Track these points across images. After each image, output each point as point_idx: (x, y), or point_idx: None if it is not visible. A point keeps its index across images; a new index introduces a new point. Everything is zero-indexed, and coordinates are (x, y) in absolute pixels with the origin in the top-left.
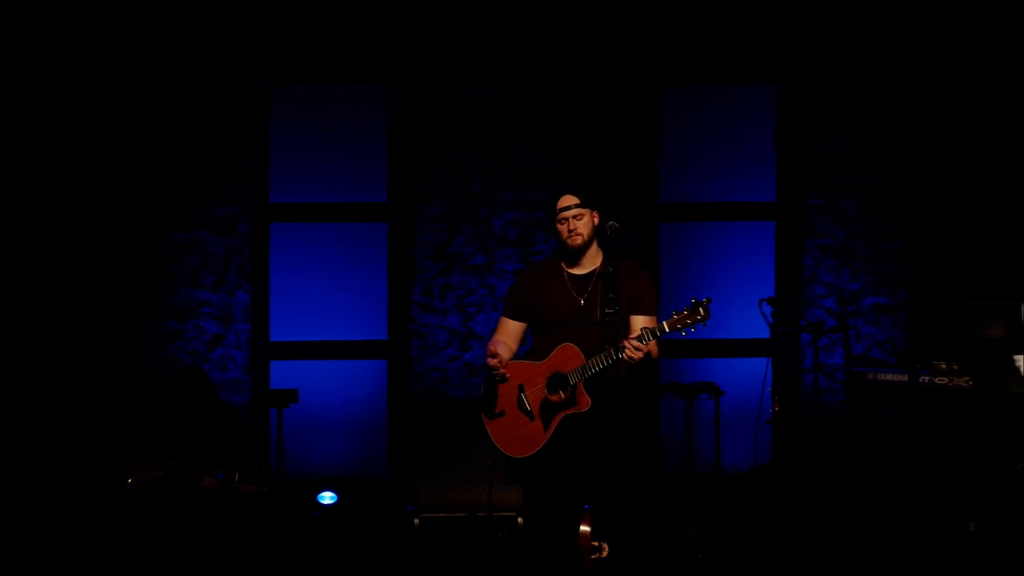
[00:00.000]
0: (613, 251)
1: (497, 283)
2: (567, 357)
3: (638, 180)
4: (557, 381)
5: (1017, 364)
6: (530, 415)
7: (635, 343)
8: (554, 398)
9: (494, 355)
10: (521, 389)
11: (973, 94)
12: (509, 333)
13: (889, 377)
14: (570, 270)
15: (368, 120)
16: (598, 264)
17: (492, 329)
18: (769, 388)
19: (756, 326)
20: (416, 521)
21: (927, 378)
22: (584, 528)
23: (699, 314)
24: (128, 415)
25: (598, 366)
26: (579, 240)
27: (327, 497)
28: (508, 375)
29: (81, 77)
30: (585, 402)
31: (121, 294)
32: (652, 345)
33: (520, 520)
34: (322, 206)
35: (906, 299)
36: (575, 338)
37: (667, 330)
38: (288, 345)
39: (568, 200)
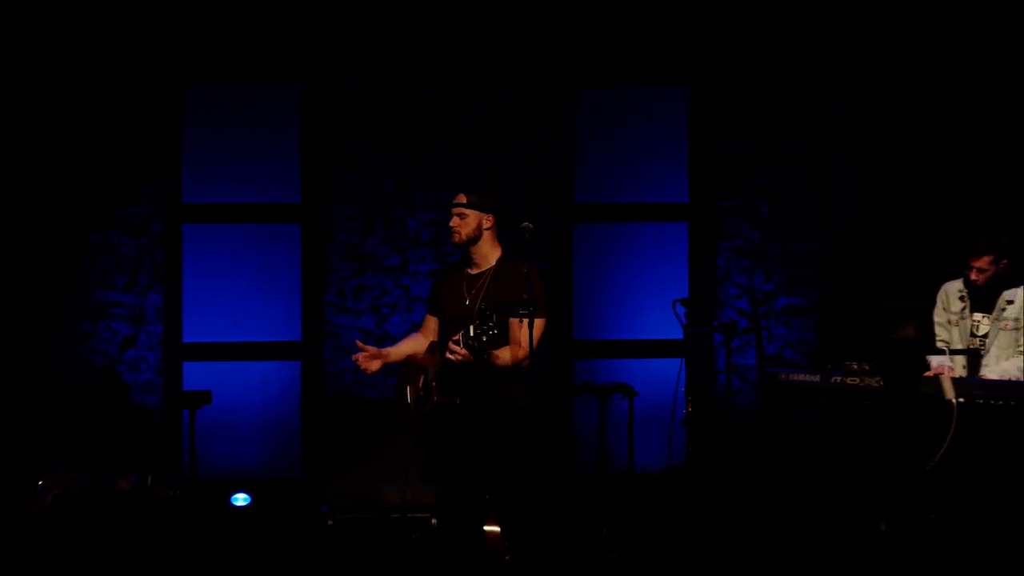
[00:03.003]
0: (526, 252)
1: (411, 284)
2: (431, 355)
3: (553, 181)
4: (425, 378)
5: (930, 364)
6: (409, 408)
7: (451, 345)
8: (422, 394)
9: (362, 348)
10: (409, 382)
11: (886, 101)
12: (427, 327)
13: (801, 378)
14: (467, 270)
15: (282, 121)
16: (491, 265)
17: (407, 330)
18: (682, 388)
19: (670, 327)
20: (330, 522)
21: (839, 378)
22: (490, 528)
23: (491, 322)
24: (40, 417)
25: (438, 366)
26: (456, 238)
27: (240, 498)
28: (366, 366)
29: None
30: (433, 399)
31: (33, 295)
32: (507, 350)
33: (434, 521)
34: (236, 207)
35: (818, 300)
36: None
37: (471, 334)
38: (201, 346)
39: (458, 198)
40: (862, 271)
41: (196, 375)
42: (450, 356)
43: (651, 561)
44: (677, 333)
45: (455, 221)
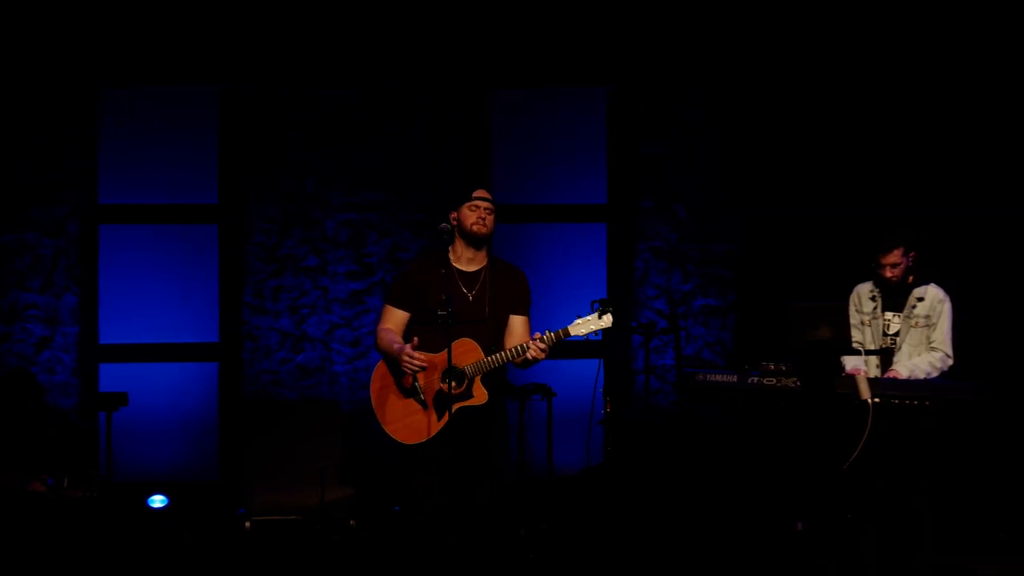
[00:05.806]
0: (444, 252)
1: (330, 285)
2: (465, 351)
3: (470, 181)
4: (453, 374)
5: (845, 366)
6: (424, 404)
7: (540, 344)
8: (448, 390)
9: (402, 348)
10: (415, 378)
11: (799, 96)
12: (396, 322)
13: (719, 378)
14: (457, 265)
15: (200, 121)
16: (485, 263)
17: (325, 331)
18: (601, 389)
19: None
20: (247, 524)
21: (756, 379)
22: None
23: (603, 321)
24: None
25: (497, 363)
26: (484, 231)
27: (158, 500)
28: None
29: None
30: (483, 396)
31: None
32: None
33: (352, 522)
34: (153, 208)
35: (736, 301)
36: (464, 333)
37: (571, 334)
38: (118, 348)
39: (486, 193)
40: (778, 271)
41: (112, 377)
42: (537, 354)
43: (568, 562)
44: (596, 334)
45: (485, 215)
